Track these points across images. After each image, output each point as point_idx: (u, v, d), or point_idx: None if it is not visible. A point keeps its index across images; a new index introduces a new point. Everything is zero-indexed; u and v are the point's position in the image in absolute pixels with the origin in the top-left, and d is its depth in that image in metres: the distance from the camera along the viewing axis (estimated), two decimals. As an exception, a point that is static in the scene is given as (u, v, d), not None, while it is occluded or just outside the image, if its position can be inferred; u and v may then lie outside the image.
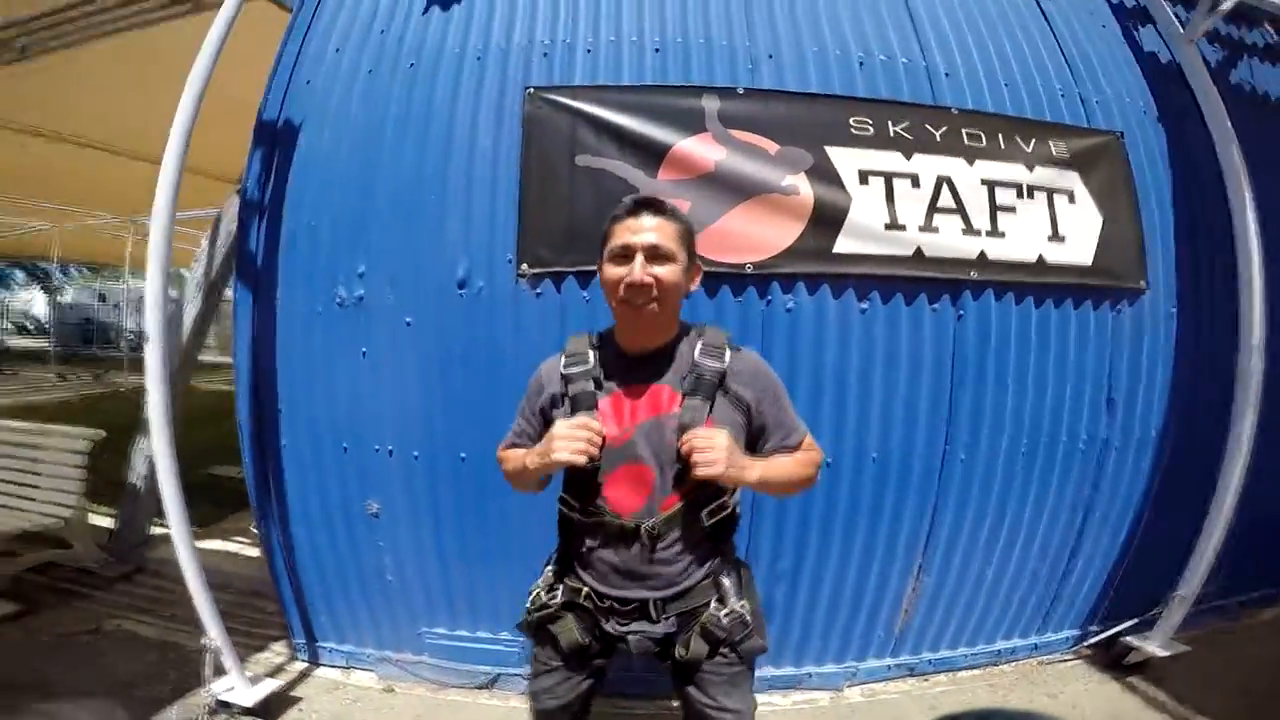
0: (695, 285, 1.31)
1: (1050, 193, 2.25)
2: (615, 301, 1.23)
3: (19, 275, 21.55)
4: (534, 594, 1.36)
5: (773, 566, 2.22)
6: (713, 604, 1.26)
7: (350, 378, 2.22)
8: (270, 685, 2.18)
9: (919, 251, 2.12)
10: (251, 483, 2.38)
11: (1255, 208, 2.32)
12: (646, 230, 1.19)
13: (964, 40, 2.34)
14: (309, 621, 2.44)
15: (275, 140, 2.28)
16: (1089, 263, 2.28)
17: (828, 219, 2.07)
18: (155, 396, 2.01)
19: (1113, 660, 2.49)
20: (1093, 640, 2.57)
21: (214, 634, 2.08)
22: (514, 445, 1.40)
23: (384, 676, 2.37)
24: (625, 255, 1.19)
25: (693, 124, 2.06)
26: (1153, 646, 2.38)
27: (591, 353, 1.30)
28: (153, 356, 2.00)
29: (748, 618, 1.26)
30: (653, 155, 2.05)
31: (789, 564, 2.22)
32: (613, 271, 1.21)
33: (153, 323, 2.00)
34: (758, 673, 2.26)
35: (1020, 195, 2.21)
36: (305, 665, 2.44)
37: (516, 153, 2.09)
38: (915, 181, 2.12)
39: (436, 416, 2.17)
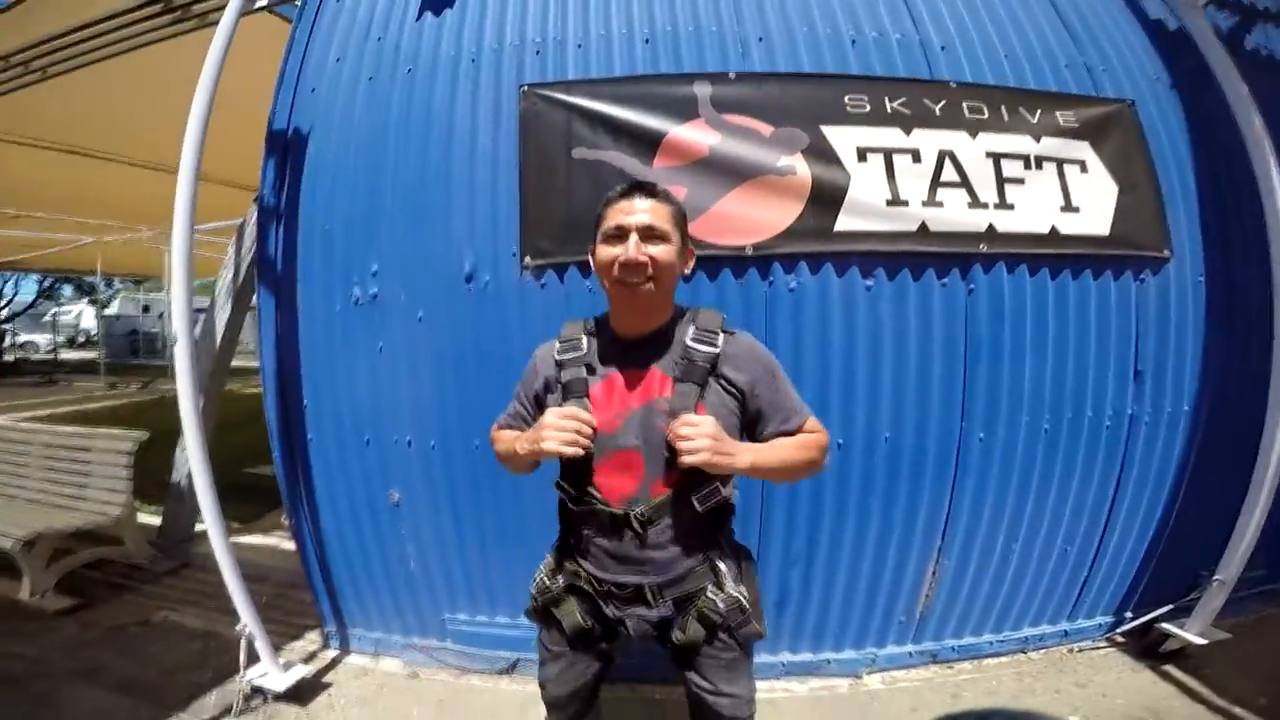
0: (689, 268, 1.30)
1: (1060, 163, 2.18)
2: (610, 282, 1.23)
3: (67, 290, 22.32)
4: (537, 579, 1.38)
5: (786, 549, 2.20)
6: (709, 589, 1.26)
7: (369, 373, 2.31)
8: (301, 671, 2.26)
9: (923, 226, 2.08)
10: (282, 477, 2.48)
11: (1280, 171, 2.20)
12: (640, 211, 1.20)
13: (958, 13, 2.30)
14: (339, 610, 2.53)
15: (286, 148, 2.38)
16: (1106, 232, 2.20)
17: (827, 198, 2.05)
18: (185, 395, 2.12)
19: (1148, 648, 2.37)
20: (1127, 627, 2.45)
21: (247, 621, 2.18)
22: (507, 427, 1.42)
23: (409, 663, 2.44)
24: (619, 235, 1.20)
25: (686, 111, 2.07)
26: (1190, 633, 2.26)
27: (586, 338, 1.30)
28: (181, 358, 2.11)
29: (745, 604, 1.26)
30: (647, 144, 2.07)
31: (802, 546, 2.20)
32: (607, 252, 1.21)
33: (180, 325, 2.10)
34: (775, 658, 2.29)
35: (1028, 166, 2.15)
36: (337, 653, 2.53)
37: (515, 149, 2.14)
38: (916, 156, 2.09)
39: (450, 407, 2.23)
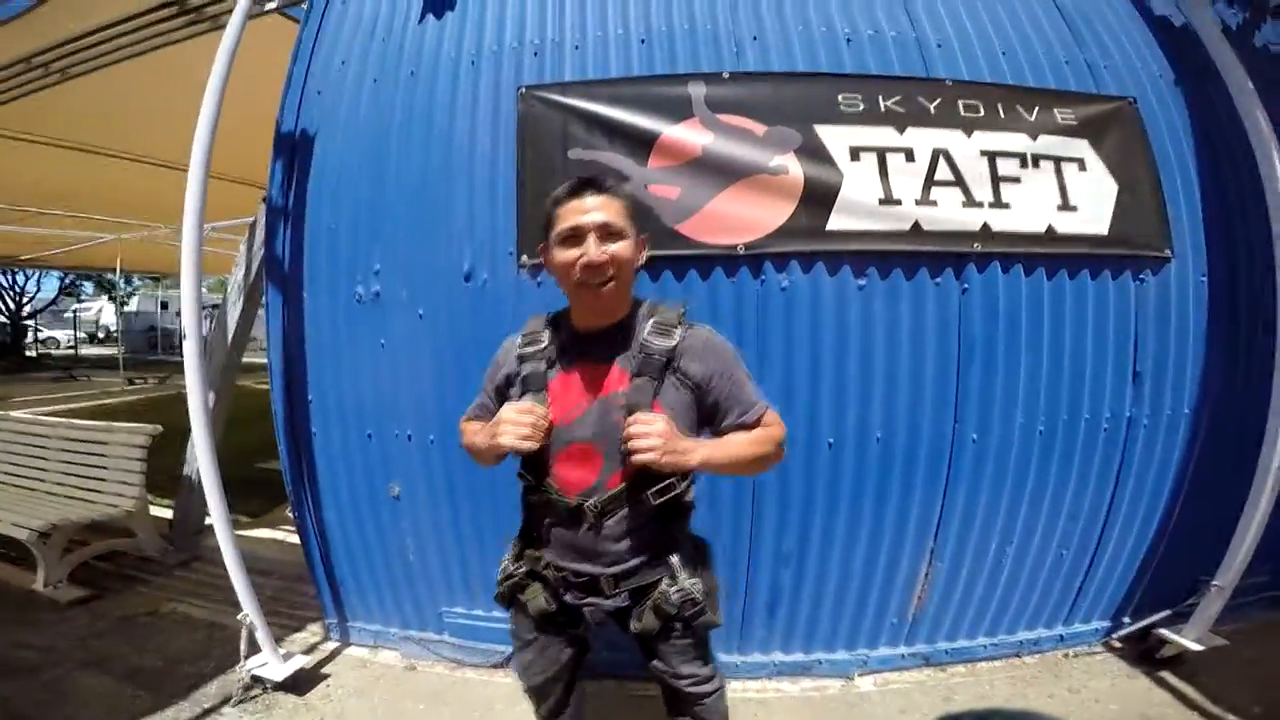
0: (643, 259, 1.30)
1: (1058, 161, 2.16)
2: (570, 285, 1.23)
3: (88, 287, 22.94)
4: (502, 565, 1.41)
5: (777, 547, 2.21)
6: (664, 582, 1.28)
7: (372, 369, 2.35)
8: (300, 661, 2.31)
9: (916, 225, 2.08)
10: (287, 471, 2.53)
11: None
12: (593, 210, 1.19)
13: (956, 11, 2.29)
14: (340, 603, 2.58)
15: (293, 149, 2.43)
16: (1105, 232, 2.18)
17: (819, 197, 2.06)
18: (194, 391, 2.17)
19: (1144, 654, 2.34)
20: (1123, 632, 2.42)
21: (249, 612, 2.22)
22: (474, 418, 1.45)
23: (407, 655, 2.48)
24: (576, 237, 1.19)
25: (680, 111, 2.09)
26: (1187, 640, 2.23)
27: (547, 332, 1.32)
28: (190, 353, 2.16)
29: (697, 596, 1.28)
30: (642, 144, 2.09)
31: (793, 545, 2.21)
32: (565, 255, 1.21)
33: (189, 322, 2.16)
34: (766, 658, 2.31)
35: (1024, 165, 2.14)
36: (337, 644, 2.58)
37: (513, 150, 2.17)
38: (910, 156, 2.08)
39: (449, 402, 2.25)
